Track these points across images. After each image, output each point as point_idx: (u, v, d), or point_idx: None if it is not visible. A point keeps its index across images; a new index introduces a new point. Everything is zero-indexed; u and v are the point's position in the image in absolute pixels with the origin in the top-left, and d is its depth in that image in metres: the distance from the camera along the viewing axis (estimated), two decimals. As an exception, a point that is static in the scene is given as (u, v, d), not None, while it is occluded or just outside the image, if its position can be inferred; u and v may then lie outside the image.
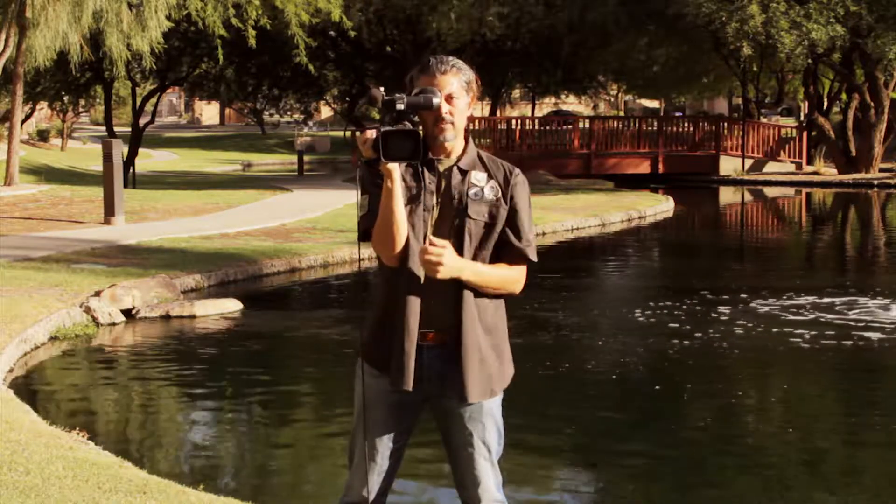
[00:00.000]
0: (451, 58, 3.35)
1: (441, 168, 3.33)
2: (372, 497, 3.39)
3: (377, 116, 3.37)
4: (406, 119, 3.15)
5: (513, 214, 3.36)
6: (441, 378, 3.34)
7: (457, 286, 3.29)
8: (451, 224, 3.31)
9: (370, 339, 3.41)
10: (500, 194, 3.34)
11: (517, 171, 3.40)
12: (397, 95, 3.17)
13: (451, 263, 3.20)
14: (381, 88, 3.17)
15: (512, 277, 3.36)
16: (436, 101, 3.22)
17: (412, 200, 3.28)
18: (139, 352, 9.42)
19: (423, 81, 3.29)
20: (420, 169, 3.29)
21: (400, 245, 3.26)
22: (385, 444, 3.40)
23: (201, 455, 6.61)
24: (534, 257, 3.39)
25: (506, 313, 3.45)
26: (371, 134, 3.12)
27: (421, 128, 3.23)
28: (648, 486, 6.15)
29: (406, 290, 3.29)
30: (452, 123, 3.29)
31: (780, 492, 6.01)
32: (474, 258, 3.31)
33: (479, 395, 3.34)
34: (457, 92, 3.29)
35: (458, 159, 3.34)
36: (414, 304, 3.29)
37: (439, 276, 3.19)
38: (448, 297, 3.30)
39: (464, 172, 3.33)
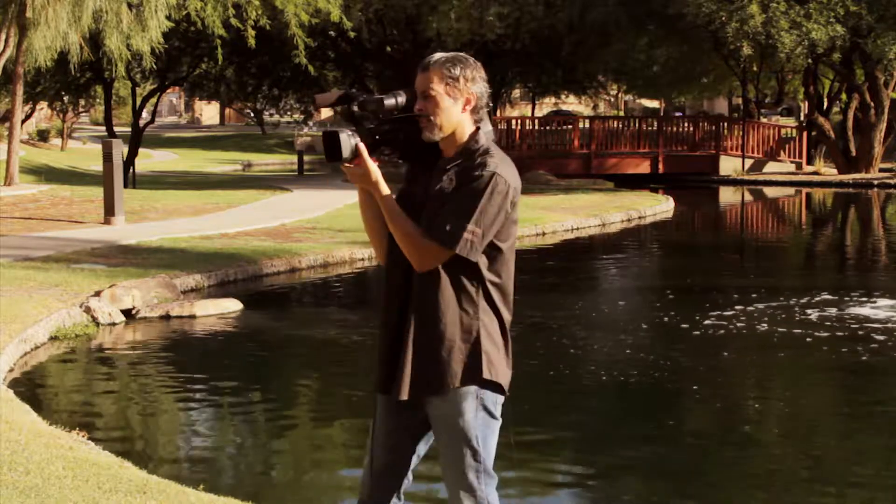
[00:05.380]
0: (442, 54, 3.25)
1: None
2: (372, 500, 3.37)
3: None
4: (366, 120, 3.15)
5: (450, 194, 3.17)
6: None
7: (437, 283, 3.21)
8: None
9: (377, 341, 3.39)
10: (455, 185, 3.18)
11: (491, 168, 3.15)
12: (361, 97, 3.16)
13: (364, 174, 3.16)
14: (334, 89, 3.19)
15: (416, 238, 3.13)
16: (388, 101, 3.17)
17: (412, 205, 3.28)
18: (139, 352, 9.42)
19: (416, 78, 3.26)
20: (416, 172, 3.29)
21: (381, 244, 3.29)
22: (389, 447, 3.35)
23: (201, 455, 6.62)
24: (445, 241, 3.12)
25: (484, 312, 3.24)
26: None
27: (374, 125, 3.19)
28: (649, 488, 6.15)
29: (391, 290, 3.29)
30: (429, 119, 3.20)
31: (781, 493, 6.01)
32: None
33: (410, 392, 3.20)
34: (435, 89, 3.19)
35: (449, 157, 3.27)
36: (396, 305, 3.26)
37: (354, 181, 3.19)
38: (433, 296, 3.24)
39: (446, 170, 3.25)
